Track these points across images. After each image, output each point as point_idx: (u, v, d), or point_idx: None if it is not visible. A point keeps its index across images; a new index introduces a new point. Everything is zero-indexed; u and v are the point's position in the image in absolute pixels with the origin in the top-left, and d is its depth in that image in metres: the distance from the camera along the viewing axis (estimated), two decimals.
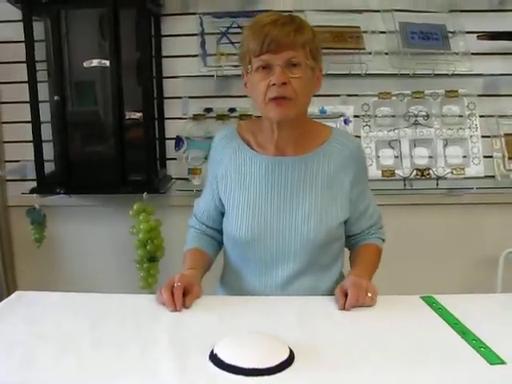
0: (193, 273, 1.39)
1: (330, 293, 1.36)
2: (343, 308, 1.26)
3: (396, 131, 2.38)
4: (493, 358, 1.02)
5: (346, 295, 1.28)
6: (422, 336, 1.14)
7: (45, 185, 2.31)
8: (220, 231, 1.55)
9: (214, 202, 1.52)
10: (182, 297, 1.27)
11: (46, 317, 1.23)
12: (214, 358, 0.99)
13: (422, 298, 1.34)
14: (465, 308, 1.26)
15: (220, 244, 1.57)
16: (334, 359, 1.03)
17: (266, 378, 0.95)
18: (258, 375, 0.95)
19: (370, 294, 1.28)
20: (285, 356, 0.99)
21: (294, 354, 1.02)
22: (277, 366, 0.96)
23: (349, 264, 1.53)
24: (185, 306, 1.27)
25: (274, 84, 1.31)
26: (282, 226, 1.42)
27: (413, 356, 1.04)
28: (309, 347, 1.06)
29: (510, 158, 2.38)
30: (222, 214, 1.52)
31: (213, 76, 2.29)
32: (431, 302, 1.31)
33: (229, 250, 1.53)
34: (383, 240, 1.57)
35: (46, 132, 2.34)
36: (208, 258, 1.52)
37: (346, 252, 1.58)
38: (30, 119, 2.26)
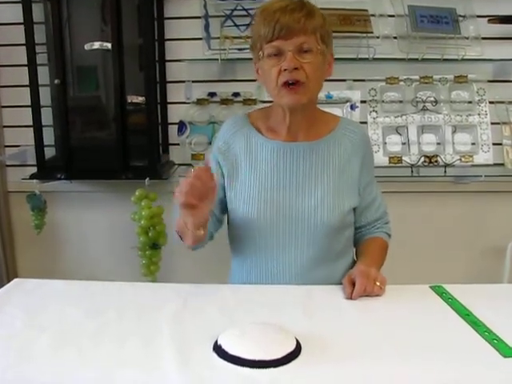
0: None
1: None
2: (350, 297, 1.24)
3: (404, 117, 2.34)
4: (506, 351, 1.00)
5: (353, 284, 1.26)
6: (433, 327, 1.12)
7: (45, 170, 2.28)
8: (219, 220, 1.51)
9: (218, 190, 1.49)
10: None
11: (46, 306, 1.21)
12: (219, 350, 0.97)
13: (432, 287, 1.32)
14: (474, 298, 1.24)
15: (219, 222, 1.52)
16: (342, 350, 1.00)
17: (272, 370, 0.92)
18: (264, 367, 0.92)
19: (378, 283, 1.26)
20: (291, 347, 0.97)
21: (300, 345, 0.99)
22: (283, 358, 0.94)
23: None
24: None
25: (285, 69, 1.31)
26: (294, 211, 1.41)
27: (424, 348, 1.01)
28: (316, 338, 1.04)
29: None
30: (222, 205, 1.49)
31: (217, 60, 2.25)
32: (441, 292, 1.29)
33: (238, 241, 1.50)
34: (389, 235, 1.55)
35: (47, 116, 2.30)
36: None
37: None
38: (29, 103, 2.23)
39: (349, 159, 1.44)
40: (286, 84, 1.32)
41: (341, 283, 1.33)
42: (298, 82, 1.32)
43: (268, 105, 1.49)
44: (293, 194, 1.41)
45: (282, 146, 1.43)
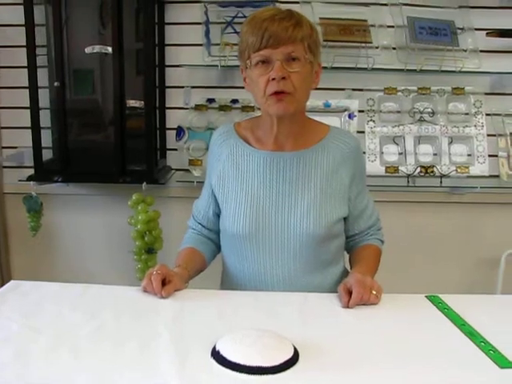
0: (177, 269, 1.39)
1: (334, 290, 1.33)
2: (347, 306, 1.24)
3: (401, 127, 2.35)
4: (503, 362, 1.00)
5: (349, 293, 1.26)
6: (429, 337, 1.11)
7: (42, 172, 2.27)
8: (217, 232, 1.54)
9: (211, 202, 1.52)
10: (162, 286, 1.27)
11: (42, 308, 1.20)
12: (217, 356, 0.97)
13: (427, 297, 1.32)
14: (470, 308, 1.24)
15: (217, 246, 1.56)
16: (339, 358, 1.00)
17: (270, 376, 0.92)
18: (262, 374, 0.92)
19: (374, 292, 1.26)
20: (289, 354, 0.97)
21: (298, 352, 0.99)
22: (281, 365, 0.94)
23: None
24: (162, 294, 1.26)
25: (273, 79, 1.31)
26: (280, 221, 1.40)
27: (420, 357, 1.01)
28: (313, 345, 1.04)
29: None
30: (219, 216, 1.51)
31: (217, 66, 2.26)
32: (437, 302, 1.29)
33: (227, 251, 1.51)
34: (382, 242, 1.56)
35: (45, 119, 2.30)
36: (201, 258, 1.51)
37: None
38: (28, 105, 2.22)
39: (337, 169, 1.43)
40: (274, 93, 1.32)
41: (331, 292, 1.33)
42: (286, 93, 1.32)
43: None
44: (279, 203, 1.41)
45: (269, 156, 1.42)
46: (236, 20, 2.27)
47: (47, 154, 2.34)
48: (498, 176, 2.35)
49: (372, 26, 2.29)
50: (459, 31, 2.29)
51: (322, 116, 2.12)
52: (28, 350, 1.00)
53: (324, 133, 1.46)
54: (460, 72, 2.26)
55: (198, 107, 2.37)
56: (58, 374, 0.93)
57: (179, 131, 2.37)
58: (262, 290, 1.41)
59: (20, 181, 2.29)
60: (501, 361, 1.00)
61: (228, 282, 1.53)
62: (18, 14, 2.19)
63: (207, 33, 2.29)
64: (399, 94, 2.36)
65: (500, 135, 2.36)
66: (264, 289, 1.41)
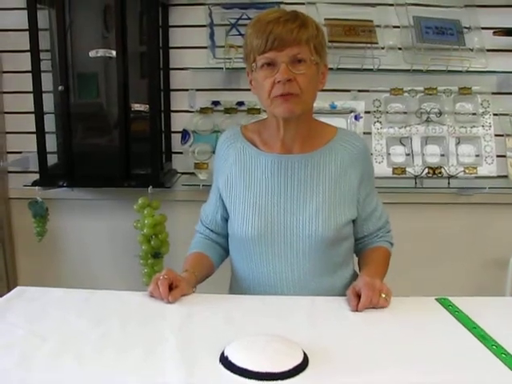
0: (184, 274, 1.38)
1: (344, 293, 1.32)
2: (356, 309, 1.23)
3: (408, 128, 2.33)
4: None
5: (358, 296, 1.25)
6: (440, 340, 1.10)
7: (47, 177, 2.28)
8: (225, 237, 1.53)
9: (219, 206, 1.51)
10: (169, 291, 1.26)
11: (48, 314, 1.19)
12: (225, 361, 0.95)
13: (437, 299, 1.30)
14: (481, 311, 1.22)
15: (226, 250, 1.55)
16: (349, 363, 0.99)
17: (279, 382, 0.91)
18: (271, 379, 0.91)
19: (383, 295, 1.25)
20: (299, 359, 0.95)
21: (308, 358, 0.98)
22: (291, 370, 0.93)
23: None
24: (169, 299, 1.25)
25: (279, 81, 1.30)
26: (289, 224, 1.40)
27: (431, 361, 1.00)
28: (323, 350, 1.02)
29: None
30: (227, 220, 1.50)
31: (221, 68, 2.25)
32: (447, 305, 1.27)
33: (235, 255, 1.50)
34: (392, 244, 1.55)
35: (49, 123, 2.30)
36: (209, 263, 1.50)
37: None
38: (33, 110, 2.22)
39: (345, 171, 1.42)
40: (280, 95, 1.31)
41: (341, 294, 1.32)
42: (292, 94, 1.31)
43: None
44: (287, 206, 1.40)
45: (276, 159, 1.42)
46: (240, 22, 2.26)
47: (52, 159, 2.34)
48: (506, 176, 2.33)
49: (378, 26, 2.28)
50: (465, 30, 2.27)
51: (328, 117, 2.11)
52: (33, 356, 0.99)
53: (331, 135, 1.45)
54: (467, 72, 2.24)
55: (203, 110, 2.36)
56: (62, 380, 0.92)
57: (184, 134, 2.36)
58: (271, 293, 1.39)
59: (25, 186, 2.29)
60: None
61: (237, 287, 1.52)
62: (21, 19, 2.20)
63: (212, 35, 2.28)
64: (406, 94, 2.34)
65: (508, 135, 2.34)
66: (273, 292, 1.40)
